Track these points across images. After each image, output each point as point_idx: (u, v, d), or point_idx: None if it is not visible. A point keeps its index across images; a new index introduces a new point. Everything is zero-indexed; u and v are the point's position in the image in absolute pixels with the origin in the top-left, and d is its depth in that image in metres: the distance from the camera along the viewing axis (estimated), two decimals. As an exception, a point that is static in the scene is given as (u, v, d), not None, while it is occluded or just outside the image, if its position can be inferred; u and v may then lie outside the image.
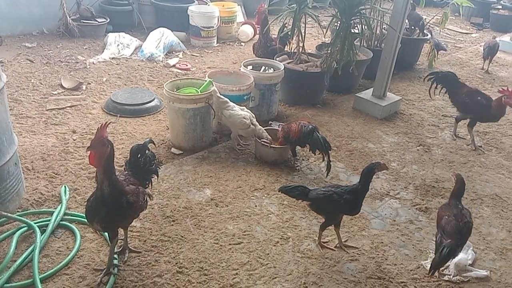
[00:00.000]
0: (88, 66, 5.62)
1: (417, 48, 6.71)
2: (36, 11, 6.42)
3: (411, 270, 2.91)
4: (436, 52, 6.53)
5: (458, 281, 2.84)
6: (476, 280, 2.87)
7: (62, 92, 4.93)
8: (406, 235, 3.23)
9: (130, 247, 2.83)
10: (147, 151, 2.80)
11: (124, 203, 2.42)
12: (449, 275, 2.87)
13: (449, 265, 2.91)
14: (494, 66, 7.13)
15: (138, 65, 5.86)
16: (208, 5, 7.33)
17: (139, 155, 2.74)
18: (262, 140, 3.89)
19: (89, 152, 2.34)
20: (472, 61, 7.33)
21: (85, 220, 2.93)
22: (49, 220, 2.96)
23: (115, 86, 5.21)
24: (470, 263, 2.96)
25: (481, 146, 4.53)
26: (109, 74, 5.51)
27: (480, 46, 8.21)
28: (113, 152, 2.37)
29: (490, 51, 6.76)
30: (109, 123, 2.46)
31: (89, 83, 5.20)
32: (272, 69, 4.79)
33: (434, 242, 2.85)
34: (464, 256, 2.97)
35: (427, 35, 6.64)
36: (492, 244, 3.21)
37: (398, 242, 3.16)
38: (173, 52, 6.37)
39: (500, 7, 9.73)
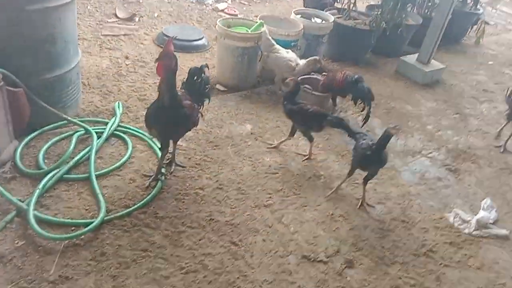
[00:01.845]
0: (141, 1, 5.78)
1: (467, 22, 6.59)
2: None
3: (434, 219, 3.07)
4: (484, 29, 6.42)
5: (477, 236, 2.98)
6: (495, 237, 3.00)
7: (116, 21, 5.13)
8: (433, 190, 3.36)
9: (177, 161, 3.07)
10: (203, 75, 2.97)
11: (182, 114, 2.62)
12: (470, 228, 3.01)
13: (470, 220, 3.06)
14: (543, 51, 6.97)
15: (188, 6, 5.99)
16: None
17: (195, 76, 2.92)
18: (305, 85, 4.02)
19: (156, 63, 2.50)
20: (521, 44, 7.17)
21: (137, 133, 3.22)
22: (104, 129, 3.21)
23: (166, 22, 5.38)
24: (492, 222, 3.09)
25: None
26: (160, 10, 5.66)
27: (533, 30, 8.00)
28: (177, 66, 2.55)
29: None
30: (175, 37, 2.62)
31: (142, 16, 5.37)
32: (321, 20, 4.85)
33: (459, 200, 3.00)
34: (487, 214, 3.10)
35: (480, 10, 6.51)
36: (515, 210, 3.32)
37: (424, 194, 3.30)
38: (223, -3, 6.47)
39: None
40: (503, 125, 4.19)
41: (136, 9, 5.55)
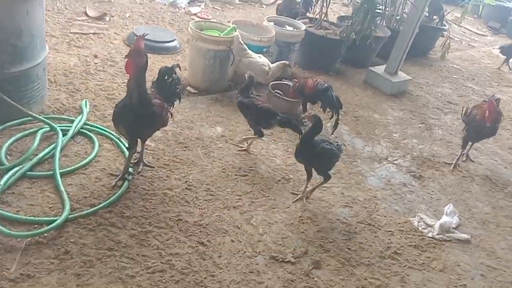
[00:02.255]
0: (112, 0, 5.71)
1: (433, 36, 6.84)
2: None
3: (398, 223, 3.13)
4: (449, 45, 6.67)
5: (440, 239, 3.06)
6: (457, 241, 3.09)
7: (86, 19, 5.03)
8: (398, 195, 3.44)
9: (145, 161, 3.02)
10: (173, 75, 2.95)
11: (150, 112, 2.58)
12: (433, 232, 3.09)
13: (434, 224, 3.14)
14: (504, 68, 7.29)
15: (161, 8, 5.96)
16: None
17: (166, 76, 2.90)
18: (275, 90, 4.05)
19: (126, 60, 2.47)
20: (483, 60, 7.48)
21: (104, 131, 3.15)
22: (70, 127, 3.12)
23: (137, 23, 5.32)
24: (454, 226, 3.19)
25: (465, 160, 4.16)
26: (132, 11, 5.60)
27: (494, 48, 8.36)
28: (147, 63, 2.52)
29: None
30: (146, 35, 2.60)
31: (113, 16, 5.30)
32: (293, 28, 4.91)
33: (423, 205, 3.09)
34: (449, 219, 3.19)
35: (445, 25, 6.77)
36: (476, 216, 3.43)
37: (390, 199, 3.37)
38: (196, 2, 6.46)
39: (519, 15, 9.82)
40: (465, 150, 4.10)
41: (107, 8, 5.47)
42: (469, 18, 9.32)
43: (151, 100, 2.63)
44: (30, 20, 2.92)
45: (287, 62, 4.18)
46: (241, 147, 3.49)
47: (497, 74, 6.93)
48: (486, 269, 2.91)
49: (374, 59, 5.92)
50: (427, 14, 6.59)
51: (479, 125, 3.81)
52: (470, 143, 4.06)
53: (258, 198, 3.00)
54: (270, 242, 2.68)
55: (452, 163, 3.99)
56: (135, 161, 2.98)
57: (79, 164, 2.84)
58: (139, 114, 2.56)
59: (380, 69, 5.31)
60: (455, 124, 4.85)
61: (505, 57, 7.06)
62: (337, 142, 3.15)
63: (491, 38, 9.32)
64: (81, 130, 3.16)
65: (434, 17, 6.73)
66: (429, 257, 2.88)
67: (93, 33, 4.74)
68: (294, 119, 3.38)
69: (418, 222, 3.18)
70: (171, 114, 2.95)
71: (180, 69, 3.07)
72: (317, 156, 2.93)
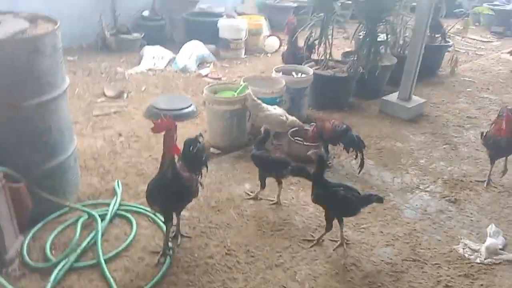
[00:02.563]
0: (127, 77, 6.00)
1: (440, 54, 6.90)
2: (76, 27, 6.85)
3: (444, 254, 3.08)
4: (457, 58, 6.71)
5: (489, 263, 2.99)
6: (508, 262, 3.01)
7: (106, 100, 5.28)
8: (438, 223, 3.40)
9: (182, 233, 3.08)
10: (198, 144, 3.06)
11: (182, 186, 2.68)
12: (481, 257, 3.03)
13: (480, 248, 3.08)
14: (516, 71, 7.27)
15: (173, 76, 6.21)
16: (236, 18, 7.68)
17: (191, 147, 3.01)
18: (295, 138, 4.13)
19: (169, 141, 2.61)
20: (493, 67, 7.47)
21: (139, 209, 3.25)
22: (106, 210, 3.24)
23: (154, 94, 5.55)
24: (501, 247, 3.11)
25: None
26: (146, 84, 5.86)
27: (502, 53, 8.36)
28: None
29: None
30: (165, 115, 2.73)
31: (130, 92, 5.55)
32: (301, 74, 5.05)
33: (465, 230, 3.05)
34: (494, 240, 3.13)
35: (449, 41, 6.83)
36: (521, 232, 3.35)
37: (430, 229, 3.33)
38: (205, 63, 6.72)
39: (521, 15, 9.87)
40: (490, 170, 3.96)
41: (124, 85, 5.74)
42: (471, 27, 9.38)
43: (182, 175, 2.73)
44: (57, 116, 3.10)
45: (302, 125, 4.28)
46: (249, 195, 3.59)
47: (511, 78, 6.89)
48: (544, 289, 2.82)
49: (386, 87, 5.98)
50: (429, 34, 6.68)
51: (496, 141, 3.72)
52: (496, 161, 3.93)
53: (298, 252, 3.02)
54: (319, 296, 2.67)
55: (484, 180, 3.94)
56: (173, 234, 3.05)
57: (120, 248, 2.92)
58: (173, 191, 2.65)
59: (393, 97, 5.36)
60: (479, 139, 4.77)
61: None
62: (372, 193, 3.16)
63: (497, 43, 9.34)
64: (117, 212, 3.27)
65: (437, 35, 6.81)
66: (482, 285, 2.82)
67: (114, 112, 4.96)
68: (306, 167, 3.42)
69: (463, 249, 3.12)
70: (201, 184, 3.03)
71: (203, 137, 3.19)
72: (330, 198, 2.97)
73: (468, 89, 6.34)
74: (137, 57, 6.66)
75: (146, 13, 7.34)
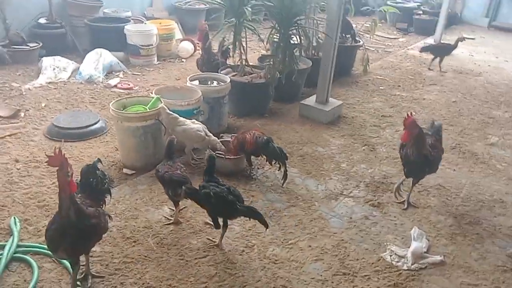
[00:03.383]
0: (24, 93, 5.36)
1: (352, 54, 7.05)
2: (-40, 39, 6.06)
3: (372, 263, 3.04)
4: (368, 57, 6.90)
5: (416, 269, 3.00)
6: (433, 265, 3.05)
7: (-1, 121, 4.67)
8: (364, 231, 3.36)
9: (93, 272, 2.73)
10: (97, 171, 2.73)
11: (89, 226, 2.35)
12: (407, 263, 3.02)
13: (406, 254, 3.08)
14: (423, 67, 7.65)
15: (78, 88, 5.68)
16: (145, 23, 7.27)
17: (90, 176, 2.67)
18: (216, 152, 3.91)
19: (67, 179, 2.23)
20: (402, 64, 7.81)
21: (41, 249, 2.85)
22: (1, 255, 2.78)
23: (56, 110, 5.01)
24: (425, 250, 3.14)
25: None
26: (47, 99, 5.28)
27: (408, 49, 8.79)
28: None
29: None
30: (63, 141, 2.38)
31: (27, 110, 4.96)
32: (217, 82, 4.84)
33: (390, 235, 3.03)
34: (419, 244, 3.15)
35: (359, 41, 7.01)
36: (442, 231, 3.42)
37: (357, 238, 3.28)
38: (113, 72, 6.24)
39: (421, 12, 10.47)
40: (399, 181, 3.72)
41: (20, 103, 5.12)
42: (379, 25, 9.78)
43: (87, 212, 2.39)
44: None
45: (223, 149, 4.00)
46: (169, 220, 3.33)
47: (419, 75, 7.25)
48: (468, 289, 2.87)
49: (304, 90, 5.96)
50: (340, 35, 6.79)
51: (406, 155, 3.40)
52: (410, 180, 3.62)
53: (225, 280, 2.80)
54: (250, 329, 2.47)
55: (403, 201, 3.67)
56: (82, 276, 2.68)
57: (18, 300, 2.51)
58: (79, 231, 2.31)
59: (311, 100, 5.33)
60: (395, 137, 4.92)
61: (436, 56, 7.46)
62: (257, 213, 2.98)
63: (402, 39, 9.82)
64: (14, 255, 2.82)
65: (347, 35, 6.94)
66: (411, 293, 2.80)
67: (9, 135, 4.38)
68: (196, 190, 3.05)
69: (391, 256, 3.11)
70: (109, 216, 2.70)
71: (101, 163, 2.87)
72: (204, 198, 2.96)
73: (381, 87, 6.54)
74: (36, 70, 6.00)
75: (42, 20, 6.65)
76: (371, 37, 8.76)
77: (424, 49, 7.66)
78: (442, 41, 8.51)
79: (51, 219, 2.36)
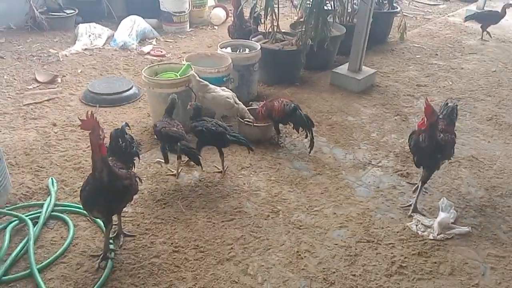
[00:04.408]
0: (61, 59, 5.53)
1: (388, 21, 6.83)
2: (1, 6, 6.24)
3: (397, 232, 3.04)
4: (405, 24, 6.66)
5: (442, 239, 2.98)
6: (459, 236, 3.01)
7: (37, 86, 4.85)
8: (391, 200, 3.35)
9: (125, 232, 2.86)
10: (125, 135, 2.82)
11: (121, 187, 2.45)
12: (433, 233, 3.01)
13: (432, 224, 3.05)
14: (463, 35, 7.33)
15: (112, 55, 5.80)
16: (178, -10, 7.24)
17: (119, 139, 2.76)
18: (245, 119, 3.94)
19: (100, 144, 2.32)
20: (441, 32, 7.50)
21: (77, 209, 3.00)
22: (40, 212, 2.96)
23: (91, 76, 5.15)
24: (452, 221, 3.10)
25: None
26: (83, 66, 5.43)
27: (449, 16, 8.41)
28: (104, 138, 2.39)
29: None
30: (97, 108, 2.46)
31: (64, 76, 5.12)
32: (248, 49, 4.82)
33: (417, 205, 3.02)
34: (446, 215, 3.11)
35: (397, 8, 6.76)
36: (471, 203, 3.36)
37: (383, 207, 3.28)
38: (146, 40, 6.32)
39: (464, -24, 9.92)
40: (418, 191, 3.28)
41: (57, 69, 5.29)
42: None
43: (119, 174, 2.49)
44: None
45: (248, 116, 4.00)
46: (171, 172, 3.50)
47: (458, 43, 6.95)
48: (494, 260, 2.83)
49: (336, 57, 5.85)
50: (377, 1, 6.57)
51: (415, 141, 3.06)
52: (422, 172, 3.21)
53: (250, 242, 2.88)
54: (272, 290, 2.56)
55: (410, 205, 3.26)
56: (115, 234, 2.82)
57: (56, 254, 2.67)
58: (112, 193, 2.42)
59: (343, 68, 5.24)
60: (429, 107, 4.79)
61: (481, 24, 7.10)
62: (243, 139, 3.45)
63: (443, 5, 9.40)
64: (52, 213, 2.99)
65: (384, 1, 6.71)
66: (435, 263, 2.79)
67: (47, 100, 4.56)
68: (193, 149, 3.32)
69: (416, 225, 3.09)
70: (139, 179, 2.80)
71: (129, 127, 2.96)
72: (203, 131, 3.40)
73: (417, 56, 6.33)
74: (72, 36, 6.16)
75: (79, -13, 6.77)
76: (410, 3, 8.43)
77: (469, 18, 7.23)
78: (485, 8, 8.08)
79: (85, 181, 2.47)
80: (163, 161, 3.49)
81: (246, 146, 3.48)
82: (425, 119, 2.91)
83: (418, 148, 3.07)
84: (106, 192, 2.41)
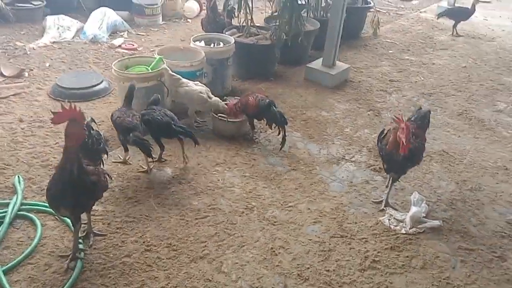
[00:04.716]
0: (28, 52, 5.34)
1: (362, 16, 6.88)
2: (-37, -4, 5.99)
3: (370, 227, 3.06)
4: (378, 20, 6.71)
5: (414, 233, 3.02)
6: (431, 230, 3.06)
7: (3, 80, 4.67)
8: (364, 195, 3.38)
9: (95, 231, 2.79)
10: (92, 131, 2.75)
11: (89, 183, 2.38)
12: (405, 227, 3.05)
13: (404, 218, 3.09)
14: (434, 31, 7.45)
15: (82, 48, 5.64)
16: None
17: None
18: (219, 114, 3.90)
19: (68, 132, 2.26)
20: (413, 27, 7.61)
21: (45, 208, 2.91)
22: (5, 212, 2.85)
23: (60, 70, 5.00)
24: (424, 215, 3.15)
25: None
26: (51, 59, 5.26)
27: (421, 12, 8.54)
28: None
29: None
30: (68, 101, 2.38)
31: (32, 70, 4.95)
32: (222, 43, 4.76)
33: (390, 199, 3.04)
34: (418, 209, 3.15)
35: (370, 3, 6.80)
36: (442, 197, 3.42)
37: (356, 201, 3.30)
38: (118, 32, 6.18)
39: (435, -27, 10.07)
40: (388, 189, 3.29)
41: (24, 62, 5.10)
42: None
43: (87, 169, 2.41)
44: None
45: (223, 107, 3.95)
46: (143, 169, 3.45)
47: (430, 39, 7.06)
48: (464, 253, 2.89)
49: (310, 52, 5.85)
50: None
51: (388, 152, 2.98)
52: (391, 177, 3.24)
53: (224, 240, 2.85)
54: (246, 287, 2.53)
55: (381, 201, 3.27)
56: (84, 234, 2.75)
57: (23, 255, 2.57)
58: (81, 189, 2.34)
59: (317, 63, 5.24)
60: (401, 102, 4.87)
61: (454, 21, 7.22)
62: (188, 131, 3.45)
63: (415, 1, 9.53)
64: (18, 213, 2.89)
65: (358, -3, 6.75)
66: (407, 257, 2.83)
67: (13, 95, 4.39)
68: (145, 140, 3.24)
69: (389, 220, 3.13)
70: (109, 175, 2.73)
71: (95, 122, 2.89)
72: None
73: (390, 51, 6.40)
74: (40, 29, 5.95)
75: (47, -23, 6.54)
76: (383, -2, 8.51)
77: (441, 14, 7.32)
78: (456, 4, 8.23)
79: (51, 178, 2.39)
80: (121, 160, 3.47)
81: (191, 138, 3.46)
82: (403, 141, 2.71)
83: (390, 159, 3.01)
84: (74, 187, 2.33)
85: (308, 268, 2.69)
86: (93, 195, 2.53)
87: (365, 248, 2.88)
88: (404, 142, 2.71)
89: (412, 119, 3.22)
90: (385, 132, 3.15)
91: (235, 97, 4.19)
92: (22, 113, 4.10)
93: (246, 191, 3.32)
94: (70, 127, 2.25)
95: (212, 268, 2.63)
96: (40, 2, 6.31)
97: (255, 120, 3.96)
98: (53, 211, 2.86)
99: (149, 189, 3.25)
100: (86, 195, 2.46)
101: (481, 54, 6.55)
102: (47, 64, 5.11)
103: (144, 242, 2.77)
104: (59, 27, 5.82)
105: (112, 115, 3.38)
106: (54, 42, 5.64)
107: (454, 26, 7.26)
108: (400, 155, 2.81)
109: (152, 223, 2.93)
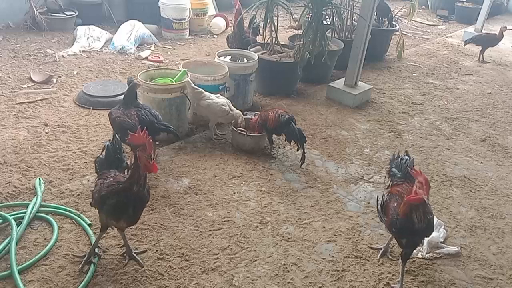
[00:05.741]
0: (57, 60, 5.51)
1: (387, 39, 6.87)
2: (1, 4, 6.23)
3: (386, 249, 3.01)
4: (403, 43, 6.70)
5: (431, 258, 2.95)
6: (448, 256, 2.99)
7: (32, 85, 4.82)
8: (381, 216, 3.32)
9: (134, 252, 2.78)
10: (116, 146, 2.79)
11: (147, 196, 2.51)
12: (422, 252, 2.98)
13: (422, 243, 3.02)
14: (460, 56, 7.38)
15: (109, 58, 5.78)
16: (179, -3, 7.27)
17: (116, 153, 2.75)
18: (238, 129, 3.92)
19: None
20: (439, 51, 7.55)
21: (62, 211, 2.96)
22: (24, 213, 2.91)
23: (87, 79, 5.13)
24: (442, 240, 3.08)
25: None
26: (79, 67, 5.41)
27: (447, 37, 8.48)
28: None
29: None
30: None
31: (60, 76, 5.10)
32: (246, 59, 4.82)
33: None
34: (436, 234, 3.08)
35: (396, 26, 6.81)
36: (462, 223, 3.34)
37: (372, 223, 3.25)
38: (145, 45, 6.32)
39: (464, 0, 10.04)
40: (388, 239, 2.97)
41: (53, 69, 5.26)
42: (418, 10, 9.45)
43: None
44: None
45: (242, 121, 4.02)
46: None
47: (455, 64, 6.99)
48: (482, 282, 2.81)
49: (333, 72, 5.87)
50: (376, 18, 6.62)
51: (405, 222, 2.43)
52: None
53: (236, 253, 2.84)
54: (256, 302, 2.51)
55: (380, 248, 2.97)
56: (123, 254, 2.72)
57: (38, 256, 2.62)
58: (144, 204, 2.50)
59: (339, 83, 5.25)
60: (423, 125, 4.81)
61: (481, 47, 7.17)
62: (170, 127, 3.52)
63: (442, 26, 9.48)
64: (37, 214, 2.94)
65: (384, 19, 6.76)
66: (423, 281, 2.76)
67: (41, 99, 4.52)
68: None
69: (405, 243, 3.06)
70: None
71: (117, 137, 2.90)
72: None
73: (414, 74, 6.36)
74: (70, 38, 6.15)
75: (80, -11, 6.78)
76: (409, 22, 8.50)
77: (468, 41, 7.25)
78: (483, 31, 8.16)
79: (110, 190, 2.42)
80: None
81: (174, 134, 3.64)
82: (420, 188, 2.33)
83: (409, 230, 2.43)
84: (137, 204, 2.46)
85: (320, 287, 2.65)
86: (144, 205, 2.57)
87: (379, 270, 2.82)
88: (426, 199, 2.32)
89: (399, 175, 2.80)
90: (384, 198, 2.72)
91: (256, 112, 4.21)
92: (47, 117, 4.21)
93: (262, 205, 3.31)
94: (139, 155, 2.31)
95: (223, 281, 2.62)
96: (72, 13, 6.53)
97: (274, 136, 3.97)
98: (70, 215, 2.93)
99: (165, 198, 3.28)
100: (141, 208, 2.54)
101: (508, 81, 6.44)
102: (75, 72, 5.25)
103: (157, 250, 2.78)
104: (89, 37, 5.99)
105: (111, 113, 3.42)
106: (83, 51, 5.81)
107: (481, 52, 7.19)
108: (421, 218, 2.35)
109: (166, 232, 2.95)
